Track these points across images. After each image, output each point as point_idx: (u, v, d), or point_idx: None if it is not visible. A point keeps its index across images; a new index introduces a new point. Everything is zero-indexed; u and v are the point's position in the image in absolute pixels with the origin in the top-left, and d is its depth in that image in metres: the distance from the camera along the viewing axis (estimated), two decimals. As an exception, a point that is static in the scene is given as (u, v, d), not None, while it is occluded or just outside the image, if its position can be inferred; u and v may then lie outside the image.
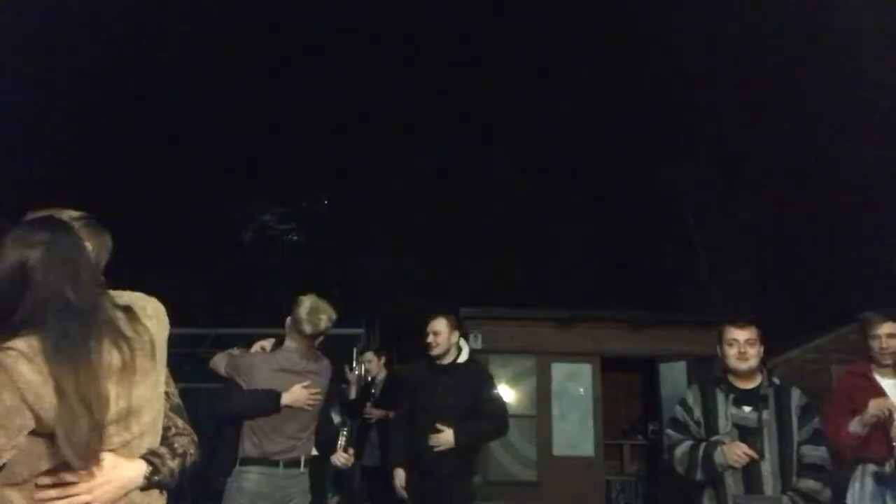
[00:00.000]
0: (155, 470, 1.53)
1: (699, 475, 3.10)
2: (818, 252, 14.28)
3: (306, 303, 3.39)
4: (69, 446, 1.35)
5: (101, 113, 15.99)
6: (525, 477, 8.75)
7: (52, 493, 1.39)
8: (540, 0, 19.12)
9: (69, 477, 1.39)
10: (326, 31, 19.86)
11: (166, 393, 1.67)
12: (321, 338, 3.45)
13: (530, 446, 8.88)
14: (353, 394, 5.77)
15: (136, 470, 1.50)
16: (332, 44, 19.71)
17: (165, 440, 1.62)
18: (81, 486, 1.40)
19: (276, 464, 3.15)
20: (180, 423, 1.69)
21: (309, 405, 3.29)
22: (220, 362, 3.42)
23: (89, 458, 1.39)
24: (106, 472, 1.43)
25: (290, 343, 3.41)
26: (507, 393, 9.22)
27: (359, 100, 19.09)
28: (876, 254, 13.00)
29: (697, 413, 3.24)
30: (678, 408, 3.34)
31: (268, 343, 3.57)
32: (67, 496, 1.40)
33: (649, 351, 9.07)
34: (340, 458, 3.58)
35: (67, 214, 1.84)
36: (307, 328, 3.32)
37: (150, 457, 1.54)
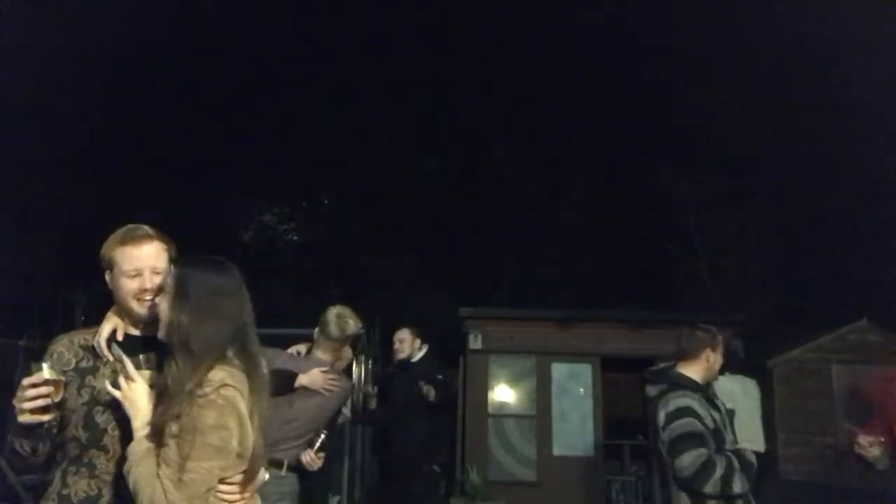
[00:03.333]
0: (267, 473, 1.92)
1: (740, 488, 2.92)
2: (818, 252, 14.27)
3: (333, 310, 3.52)
4: (256, 465, 1.74)
5: (101, 113, 15.98)
6: (525, 477, 8.76)
7: (225, 489, 1.70)
8: (540, 1, 19.12)
9: (234, 481, 1.72)
10: (327, 31, 19.86)
11: None
12: (348, 344, 3.53)
13: (530, 446, 8.89)
14: (373, 403, 5.74)
15: (264, 474, 1.87)
16: (333, 43, 19.71)
17: None
18: (241, 487, 1.74)
19: None
20: None
21: (326, 390, 3.33)
22: None
23: (258, 472, 1.78)
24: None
25: (317, 353, 3.48)
26: (507, 393, 9.24)
27: (359, 100, 19.09)
28: (876, 254, 13.00)
29: (709, 422, 3.05)
30: (692, 420, 3.01)
31: (303, 347, 3.62)
32: (234, 493, 1.72)
33: (649, 351, 9.05)
34: (307, 455, 3.47)
35: (148, 228, 2.08)
36: (335, 331, 3.42)
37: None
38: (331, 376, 3.35)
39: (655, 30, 16.92)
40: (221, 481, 1.68)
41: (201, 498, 1.62)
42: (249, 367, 1.74)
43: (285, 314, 15.27)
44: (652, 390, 3.26)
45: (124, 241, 1.97)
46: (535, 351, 9.14)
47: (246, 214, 20.41)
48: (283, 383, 3.22)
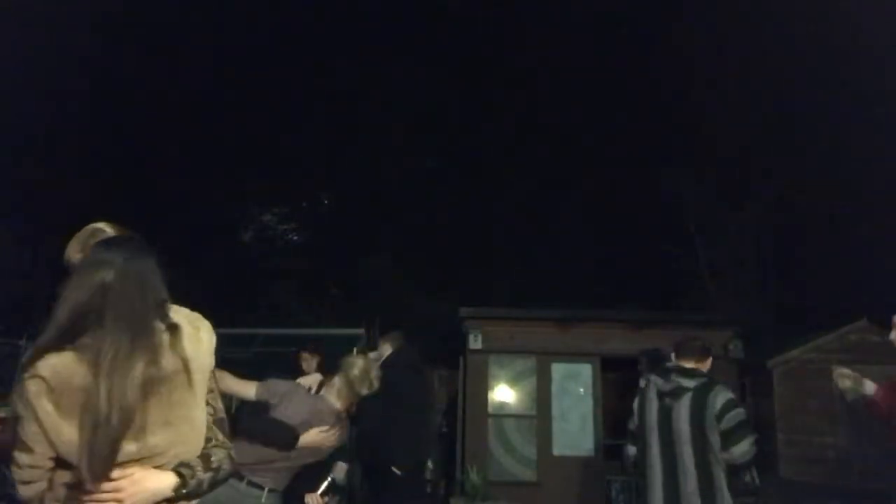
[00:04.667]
0: (183, 483, 1.62)
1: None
2: (819, 252, 14.27)
3: (358, 363, 3.52)
4: (86, 467, 1.48)
5: (102, 113, 15.98)
6: (525, 477, 8.75)
7: (84, 498, 1.52)
8: (542, 1, 19.13)
9: (102, 487, 1.52)
10: (328, 32, 19.87)
11: (212, 406, 1.77)
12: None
13: (530, 446, 8.88)
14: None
15: (165, 482, 1.60)
16: (334, 44, 19.71)
17: (203, 452, 1.71)
18: (111, 496, 1.53)
19: (241, 478, 3.16)
20: (220, 436, 1.78)
21: (324, 447, 3.36)
22: (248, 389, 3.39)
23: (102, 477, 1.51)
24: (134, 484, 1.55)
25: (332, 400, 3.47)
26: (507, 393, 9.24)
27: (359, 99, 19.09)
28: (876, 254, 13.00)
29: None
30: (743, 410, 3.45)
31: (314, 382, 3.62)
32: (98, 501, 1.52)
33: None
34: (313, 499, 3.54)
35: (105, 227, 1.98)
36: (363, 389, 3.46)
37: (181, 469, 1.63)
38: (330, 436, 3.33)
39: (656, 30, 16.93)
40: (74, 488, 1.51)
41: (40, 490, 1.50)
42: (102, 357, 1.50)
43: (285, 314, 15.32)
44: (689, 382, 3.50)
45: (85, 249, 1.89)
46: (535, 351, 9.14)
47: (246, 214, 20.40)
48: (288, 442, 3.24)
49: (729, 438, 3.31)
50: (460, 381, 9.21)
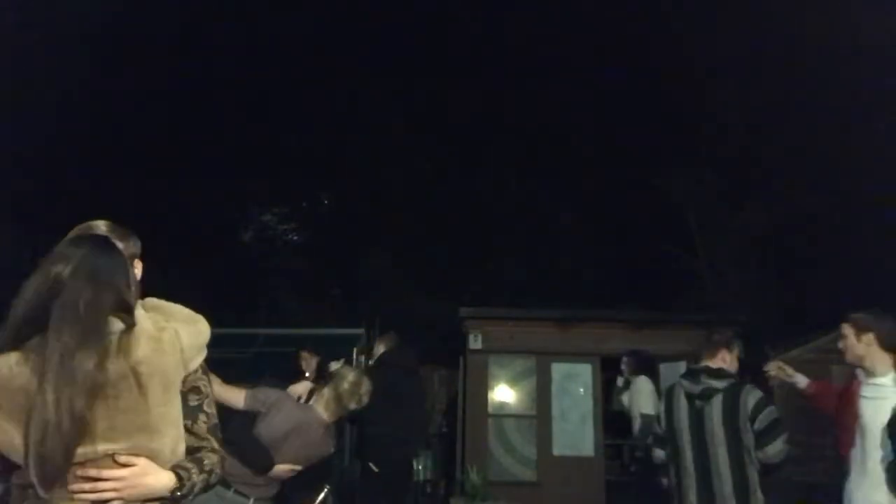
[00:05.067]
0: (181, 484, 1.62)
1: None
2: (818, 252, 14.27)
3: (349, 377, 3.50)
4: (37, 474, 1.45)
5: (101, 111, 15.97)
6: (525, 477, 8.76)
7: (86, 486, 1.52)
8: (543, 1, 19.13)
9: (104, 473, 1.52)
10: (326, 31, 19.87)
11: (205, 413, 1.77)
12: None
13: (530, 446, 8.89)
14: None
15: (163, 481, 1.60)
16: (333, 43, 19.71)
17: (196, 456, 1.71)
18: (110, 485, 1.53)
19: (228, 486, 3.16)
20: (215, 443, 1.78)
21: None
22: (236, 397, 3.35)
23: (55, 483, 1.48)
24: (136, 476, 1.55)
25: (320, 411, 3.45)
26: (507, 393, 9.24)
27: (359, 100, 19.08)
28: (876, 254, 12.99)
29: None
30: (775, 408, 3.45)
31: (304, 390, 3.63)
32: (98, 490, 1.52)
33: (649, 351, 9.05)
34: None
35: (101, 225, 1.95)
36: (352, 403, 3.45)
37: (179, 470, 1.63)
38: (295, 472, 3.33)
39: (656, 29, 16.93)
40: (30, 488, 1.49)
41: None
42: (47, 358, 1.47)
43: (285, 314, 15.32)
44: (718, 383, 3.51)
45: None
46: (535, 351, 9.14)
47: (246, 214, 20.40)
48: (264, 465, 3.23)
49: (763, 438, 3.29)
50: (460, 381, 9.22)
